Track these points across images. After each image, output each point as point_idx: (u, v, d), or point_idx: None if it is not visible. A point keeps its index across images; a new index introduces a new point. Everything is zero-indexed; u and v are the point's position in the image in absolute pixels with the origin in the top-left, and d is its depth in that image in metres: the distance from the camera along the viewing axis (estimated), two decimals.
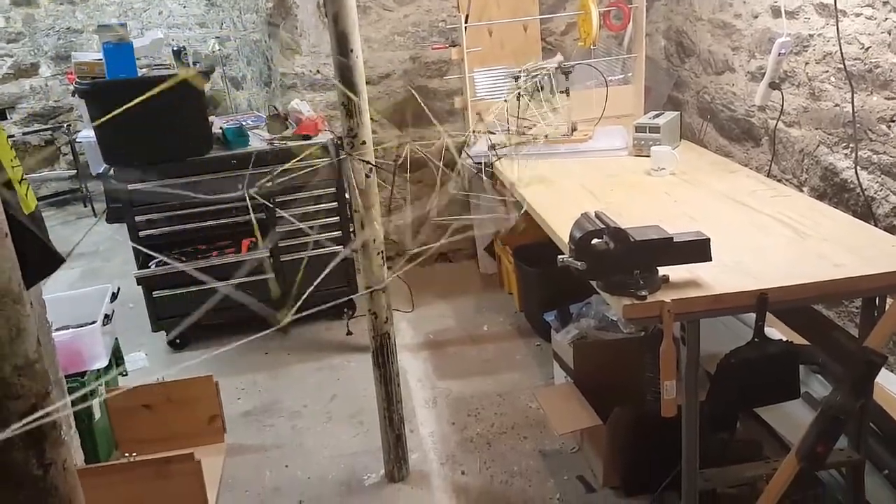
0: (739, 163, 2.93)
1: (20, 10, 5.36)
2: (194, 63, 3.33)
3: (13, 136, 5.44)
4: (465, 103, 3.52)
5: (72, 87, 3.35)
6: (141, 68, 3.22)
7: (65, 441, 0.92)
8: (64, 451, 0.91)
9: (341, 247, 3.33)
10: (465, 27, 3.40)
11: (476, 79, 3.56)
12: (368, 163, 1.98)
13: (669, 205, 2.31)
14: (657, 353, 1.70)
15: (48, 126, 5.61)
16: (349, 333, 3.41)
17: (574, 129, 3.15)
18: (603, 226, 1.67)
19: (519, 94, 3.09)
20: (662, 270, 1.69)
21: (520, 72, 3.05)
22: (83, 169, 5.43)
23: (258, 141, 3.34)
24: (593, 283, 1.75)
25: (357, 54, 1.91)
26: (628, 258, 1.65)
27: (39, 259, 1.10)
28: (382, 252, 2.14)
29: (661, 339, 1.68)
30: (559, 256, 1.72)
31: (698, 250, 1.66)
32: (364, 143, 2.00)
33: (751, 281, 1.67)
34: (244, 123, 3.47)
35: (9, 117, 5.42)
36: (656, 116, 2.90)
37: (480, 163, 3.08)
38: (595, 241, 1.66)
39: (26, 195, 1.19)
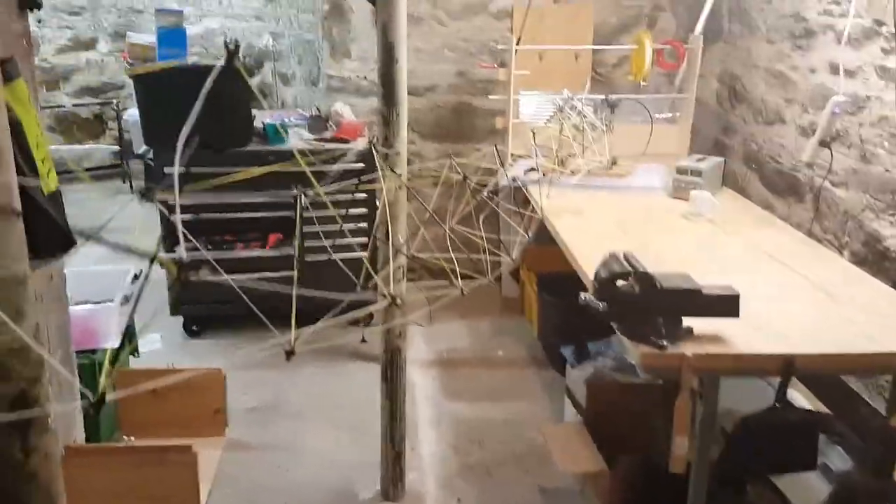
0: (780, 217, 2.85)
1: None
2: (244, 57, 3.35)
3: (63, 106, 5.54)
4: (506, 124, 3.49)
5: (125, 65, 3.39)
6: (193, 55, 3.26)
7: (50, 429, 0.90)
8: (48, 439, 0.89)
9: (366, 253, 3.31)
10: (516, 49, 3.38)
11: (521, 101, 3.54)
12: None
13: (702, 252, 2.25)
14: (672, 405, 1.65)
15: (98, 100, 5.70)
16: (363, 341, 3.39)
17: (614, 163, 3.10)
18: (630, 268, 1.63)
19: (561, 122, 3.06)
20: (687, 322, 1.64)
21: (563, 100, 3.02)
22: (127, 146, 5.50)
23: (297, 139, 3.35)
24: (613, 325, 1.70)
25: (402, 66, 1.89)
26: (653, 305, 1.60)
27: (51, 240, 1.10)
28: (403, 266, 2.11)
29: (677, 392, 1.63)
30: (581, 294, 1.67)
31: (727, 305, 1.61)
32: (399, 154, 1.98)
33: (777, 344, 1.61)
34: (286, 121, 3.48)
35: (60, 87, 5.52)
36: (700, 160, 2.84)
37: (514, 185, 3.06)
38: (620, 282, 1.62)
39: (48, 175, 1.18)
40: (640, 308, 1.61)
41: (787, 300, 1.88)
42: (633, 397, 2.35)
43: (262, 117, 3.61)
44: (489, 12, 3.81)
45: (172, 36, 2.92)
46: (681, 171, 2.79)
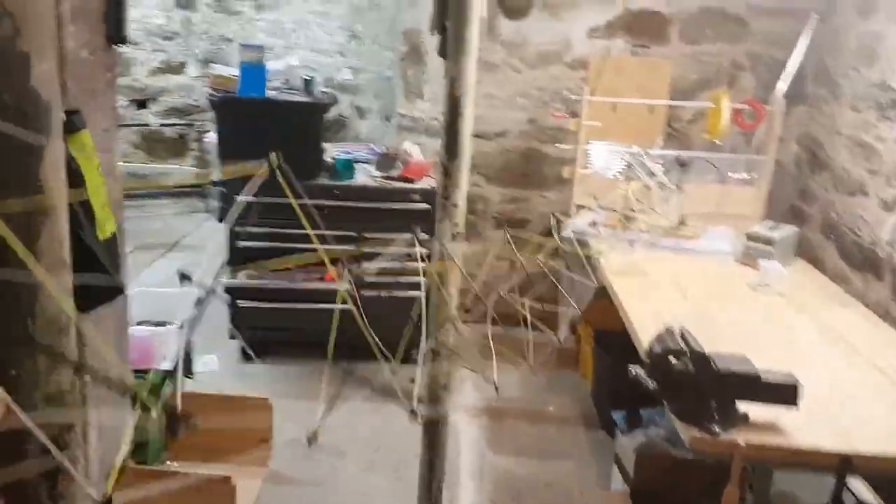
0: (856, 293, 2.71)
1: (180, 13, 5.74)
2: (322, 92, 3.43)
3: (149, 125, 5.79)
4: (573, 174, 3.46)
5: (209, 91, 3.52)
6: (273, 89, 3.36)
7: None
8: (75, 488, 0.90)
9: (422, 293, 3.32)
10: (589, 100, 3.36)
11: (591, 151, 3.50)
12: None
13: (766, 328, 2.16)
14: (724, 487, 1.57)
15: (183, 122, 5.94)
16: (412, 381, 3.37)
17: (682, 223, 3.02)
18: (685, 347, 1.57)
19: (629, 178, 3.02)
20: (742, 406, 1.56)
21: (633, 155, 2.97)
22: (205, 167, 5.70)
23: (364, 175, 3.39)
24: (665, 403, 1.63)
25: (466, 119, 1.89)
26: (707, 387, 1.54)
27: (100, 287, 1.13)
28: (453, 318, 2.09)
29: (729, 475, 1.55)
30: (630, 367, 1.62)
31: (785, 394, 1.53)
32: (456, 205, 1.98)
33: (837, 439, 1.51)
34: (355, 156, 3.54)
35: (149, 107, 5.79)
36: (773, 228, 2.74)
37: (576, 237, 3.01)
38: (673, 360, 1.56)
39: (105, 222, 1.22)
40: (694, 389, 1.54)
41: (853, 390, 1.78)
42: (684, 473, 2.24)
43: (333, 150, 3.68)
44: (564, 62, 3.81)
45: (253, 70, 3.02)
46: (752, 237, 2.70)
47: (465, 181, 2.01)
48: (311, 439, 0.79)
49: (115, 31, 1.82)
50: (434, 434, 2.17)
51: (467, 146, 1.96)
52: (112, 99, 1.95)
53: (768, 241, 2.64)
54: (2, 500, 0.96)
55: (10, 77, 0.71)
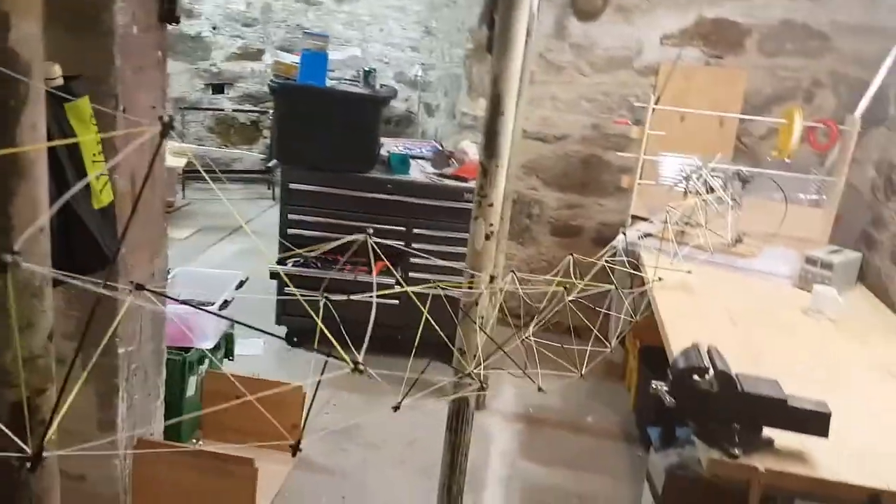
0: None
1: (261, 0, 5.89)
2: (382, 85, 3.44)
3: (223, 109, 5.95)
4: (632, 183, 3.36)
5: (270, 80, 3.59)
6: (335, 79, 3.39)
7: (50, 440, 0.92)
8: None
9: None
10: (654, 108, 3.25)
11: (662, 162, 3.39)
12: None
13: (812, 356, 2.03)
14: None
15: (256, 108, 6.09)
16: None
17: (738, 241, 2.89)
18: (710, 364, 1.48)
19: (686, 190, 2.90)
20: (769, 433, 1.47)
21: (692, 168, 2.86)
22: (272, 155, 5.83)
23: (418, 172, 3.38)
24: (687, 422, 1.56)
25: (507, 118, 1.85)
26: (730, 408, 1.45)
27: (86, 256, 1.15)
28: (483, 319, 2.05)
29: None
30: (653, 382, 1.55)
31: (814, 423, 1.43)
32: (492, 205, 1.94)
33: (867, 475, 1.40)
34: (413, 152, 3.54)
35: (226, 92, 5.95)
36: (833, 252, 2.59)
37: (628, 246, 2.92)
38: (696, 378, 1.48)
39: (101, 191, 1.24)
40: (717, 409, 1.46)
41: (894, 424, 1.65)
42: (714, 497, 2.14)
43: (392, 145, 3.70)
44: (634, 68, 3.71)
45: (314, 59, 3.05)
46: (810, 261, 2.56)
47: (502, 180, 1.97)
48: (295, 448, 0.75)
49: (166, 10, 1.86)
50: (457, 435, 2.14)
51: (507, 145, 1.92)
52: (161, 78, 2.00)
53: (827, 266, 2.50)
54: None
55: None
